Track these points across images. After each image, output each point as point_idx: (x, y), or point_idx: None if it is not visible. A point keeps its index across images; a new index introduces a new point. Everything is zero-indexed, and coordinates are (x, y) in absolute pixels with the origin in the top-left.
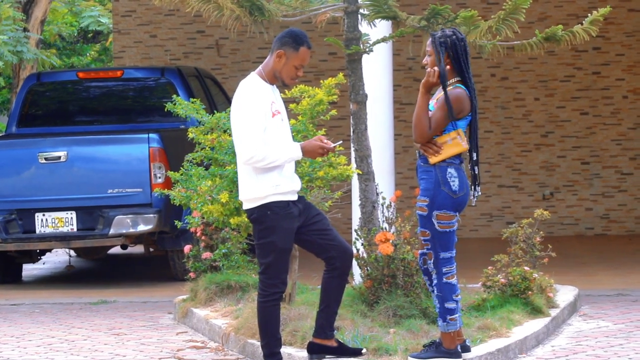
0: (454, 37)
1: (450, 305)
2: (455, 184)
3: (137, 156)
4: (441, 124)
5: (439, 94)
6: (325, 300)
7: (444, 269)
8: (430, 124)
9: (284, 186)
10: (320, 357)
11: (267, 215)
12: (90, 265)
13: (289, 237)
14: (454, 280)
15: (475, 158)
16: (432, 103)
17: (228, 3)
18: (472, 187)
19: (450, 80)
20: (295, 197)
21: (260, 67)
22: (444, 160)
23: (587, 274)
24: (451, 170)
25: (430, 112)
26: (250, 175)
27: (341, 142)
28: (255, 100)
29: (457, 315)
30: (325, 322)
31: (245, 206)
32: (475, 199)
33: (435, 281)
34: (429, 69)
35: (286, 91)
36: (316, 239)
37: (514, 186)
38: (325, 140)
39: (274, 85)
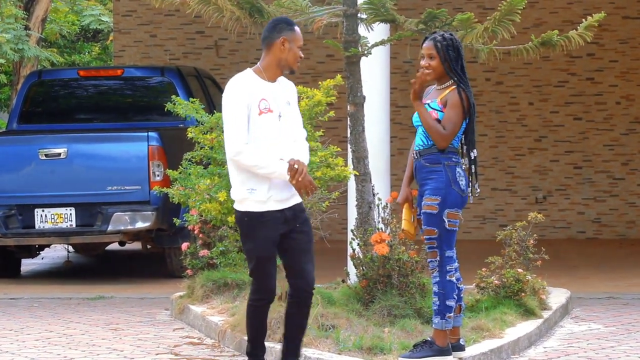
0: (456, 40)
1: (450, 302)
2: (463, 182)
3: (136, 154)
4: (457, 123)
5: (440, 94)
6: (286, 326)
7: (447, 267)
8: (443, 126)
9: (261, 193)
10: None
11: (244, 221)
12: (88, 261)
13: (267, 245)
14: (454, 279)
15: (473, 157)
16: (437, 102)
17: (228, 5)
18: (472, 185)
19: (449, 82)
20: (279, 206)
21: (257, 65)
22: (451, 159)
23: (579, 277)
24: (459, 170)
25: (435, 112)
26: (231, 175)
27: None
28: (238, 95)
29: (453, 313)
30: (287, 349)
31: (234, 205)
32: (474, 196)
33: (437, 279)
34: (420, 72)
35: None
36: (286, 257)
37: (507, 189)
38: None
39: (276, 82)
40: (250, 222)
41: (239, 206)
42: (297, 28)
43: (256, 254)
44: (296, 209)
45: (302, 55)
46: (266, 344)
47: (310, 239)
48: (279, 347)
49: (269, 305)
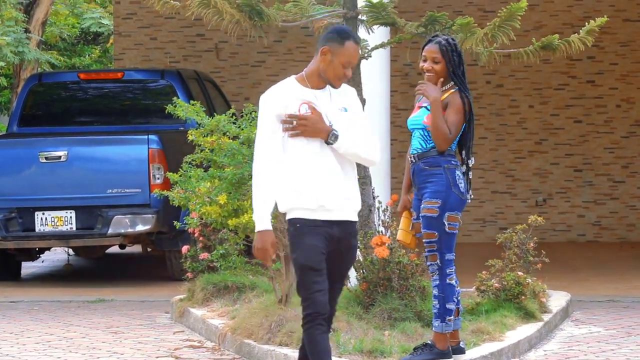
0: (458, 45)
1: (450, 306)
2: (462, 185)
3: (136, 157)
4: (459, 127)
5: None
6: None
7: (447, 270)
8: (448, 129)
9: (307, 197)
10: None
11: (290, 231)
12: (89, 264)
13: (313, 254)
14: (454, 282)
15: (471, 164)
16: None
17: (228, 8)
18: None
19: (447, 85)
20: (331, 217)
21: (302, 72)
22: (451, 162)
23: (579, 280)
24: (459, 173)
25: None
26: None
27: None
28: (266, 108)
29: (453, 316)
30: None
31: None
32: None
33: (437, 282)
34: (426, 76)
35: None
36: None
37: (508, 192)
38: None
39: (324, 90)
40: (298, 229)
41: (288, 214)
42: (348, 44)
43: (300, 262)
44: (346, 228)
45: (349, 75)
46: (265, 346)
47: (349, 268)
48: (279, 350)
49: (325, 324)
